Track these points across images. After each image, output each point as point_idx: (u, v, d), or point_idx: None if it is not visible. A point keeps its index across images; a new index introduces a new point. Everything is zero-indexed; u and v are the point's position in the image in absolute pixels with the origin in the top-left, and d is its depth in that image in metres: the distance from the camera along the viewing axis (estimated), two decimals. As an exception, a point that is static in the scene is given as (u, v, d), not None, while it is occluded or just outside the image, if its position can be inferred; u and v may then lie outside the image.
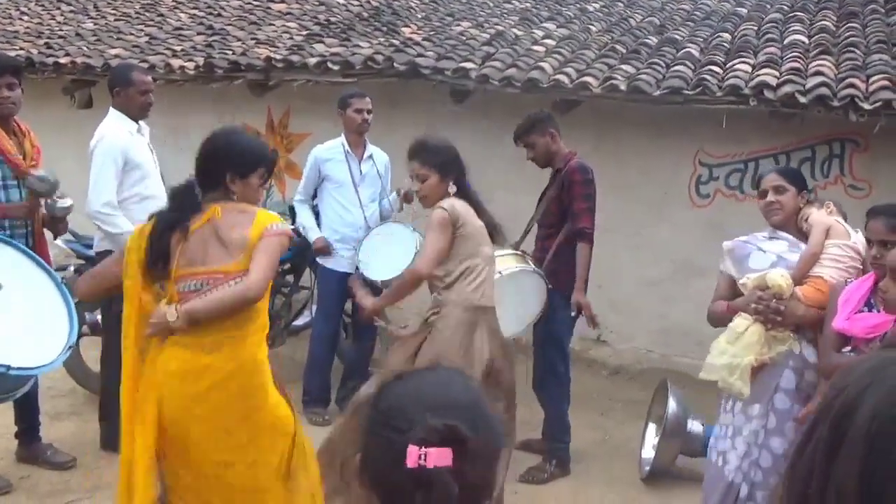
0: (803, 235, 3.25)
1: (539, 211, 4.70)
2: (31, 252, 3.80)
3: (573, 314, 4.48)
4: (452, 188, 3.72)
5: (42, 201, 4.18)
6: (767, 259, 3.21)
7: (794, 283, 3.11)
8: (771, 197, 3.28)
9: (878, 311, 2.89)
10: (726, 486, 3.17)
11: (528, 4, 8.94)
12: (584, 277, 4.44)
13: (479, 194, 3.88)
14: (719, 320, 3.32)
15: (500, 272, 4.08)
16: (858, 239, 3.21)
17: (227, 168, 2.96)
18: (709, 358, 3.22)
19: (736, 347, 3.12)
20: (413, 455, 1.13)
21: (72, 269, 5.05)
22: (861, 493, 0.78)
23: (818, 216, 3.23)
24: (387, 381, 1.29)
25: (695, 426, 4.49)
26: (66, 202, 4.20)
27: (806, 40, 6.56)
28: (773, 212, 3.29)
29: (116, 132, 4.47)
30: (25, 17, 9.52)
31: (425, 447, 1.14)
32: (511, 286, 4.24)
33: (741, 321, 3.15)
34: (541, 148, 4.63)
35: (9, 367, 3.26)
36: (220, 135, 3.09)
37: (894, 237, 2.95)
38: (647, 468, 4.54)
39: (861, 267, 3.17)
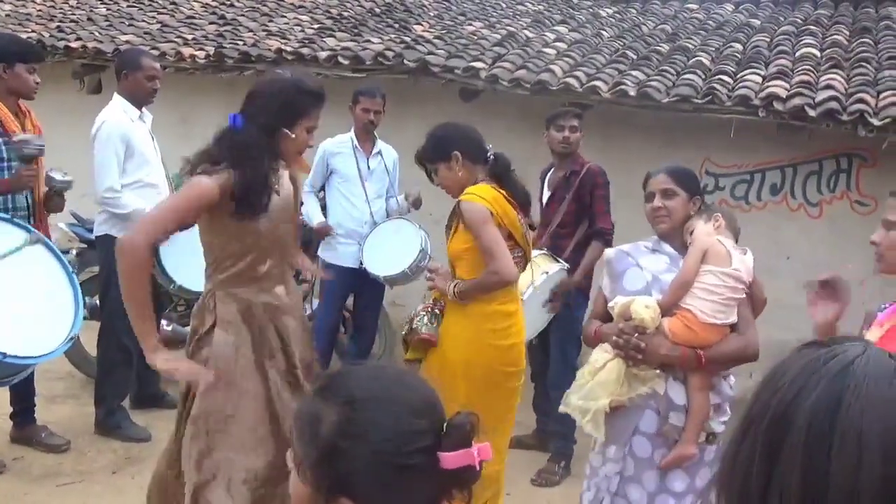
0: (687, 250, 2.80)
1: (560, 212, 4.69)
2: (43, 237, 3.79)
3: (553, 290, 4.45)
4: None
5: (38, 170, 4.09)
6: (642, 279, 2.76)
7: (664, 312, 2.68)
8: (658, 202, 2.83)
9: None
10: None
11: (540, 7, 8.94)
12: (586, 271, 4.56)
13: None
14: (591, 343, 2.87)
15: (546, 272, 4.25)
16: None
17: None
18: (568, 391, 2.83)
19: (591, 385, 2.72)
20: (468, 457, 1.16)
21: (73, 252, 5.04)
22: (804, 498, 0.78)
23: (700, 233, 2.75)
24: (351, 403, 1.19)
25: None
26: (67, 176, 4.20)
27: (818, 54, 6.53)
28: (660, 219, 2.82)
29: (117, 118, 4.46)
30: (38, 0, 9.53)
31: (464, 448, 1.18)
32: (548, 284, 4.33)
33: (601, 355, 2.75)
34: (578, 137, 4.70)
35: (4, 355, 3.26)
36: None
37: None
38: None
39: (744, 296, 2.74)
